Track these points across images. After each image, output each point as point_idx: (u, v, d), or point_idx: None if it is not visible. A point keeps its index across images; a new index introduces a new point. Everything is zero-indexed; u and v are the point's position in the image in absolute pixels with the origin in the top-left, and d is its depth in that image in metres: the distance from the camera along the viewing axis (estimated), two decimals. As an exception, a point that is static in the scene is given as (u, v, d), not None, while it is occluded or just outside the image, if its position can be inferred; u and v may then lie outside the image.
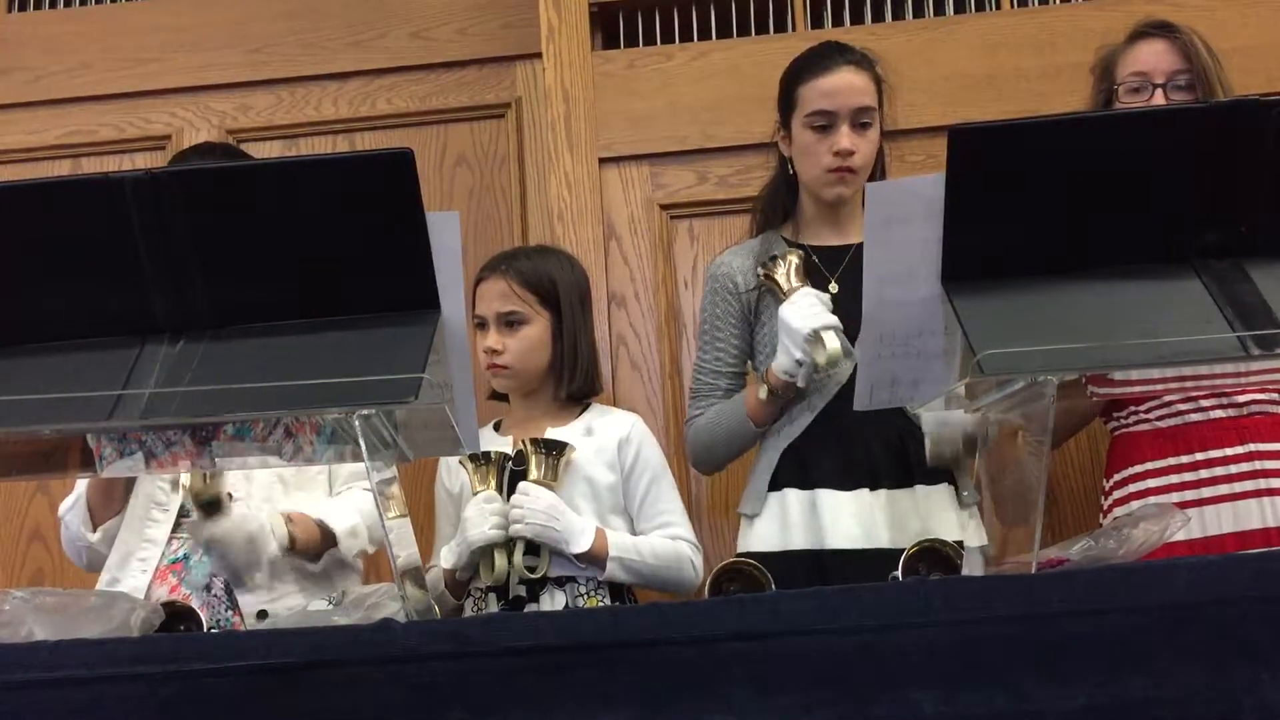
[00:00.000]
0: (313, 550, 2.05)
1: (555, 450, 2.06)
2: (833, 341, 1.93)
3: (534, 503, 2.00)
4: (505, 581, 2.02)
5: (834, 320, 1.96)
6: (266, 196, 1.24)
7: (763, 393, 2.06)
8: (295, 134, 2.99)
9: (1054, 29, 2.63)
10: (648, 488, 2.14)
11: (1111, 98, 2.10)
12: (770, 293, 2.12)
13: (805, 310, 1.97)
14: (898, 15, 2.74)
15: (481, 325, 2.14)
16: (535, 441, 2.06)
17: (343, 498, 2.13)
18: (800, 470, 2.10)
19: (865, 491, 2.06)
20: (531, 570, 2.02)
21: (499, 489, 2.05)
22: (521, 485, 2.03)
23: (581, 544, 2.01)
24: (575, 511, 2.05)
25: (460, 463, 2.12)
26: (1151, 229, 1.24)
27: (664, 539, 2.12)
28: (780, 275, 2.06)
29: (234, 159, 2.19)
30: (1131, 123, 1.33)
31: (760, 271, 2.12)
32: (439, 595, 2.06)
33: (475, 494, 2.05)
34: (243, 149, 2.66)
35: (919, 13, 2.75)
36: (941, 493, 2.09)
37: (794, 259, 2.07)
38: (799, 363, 1.97)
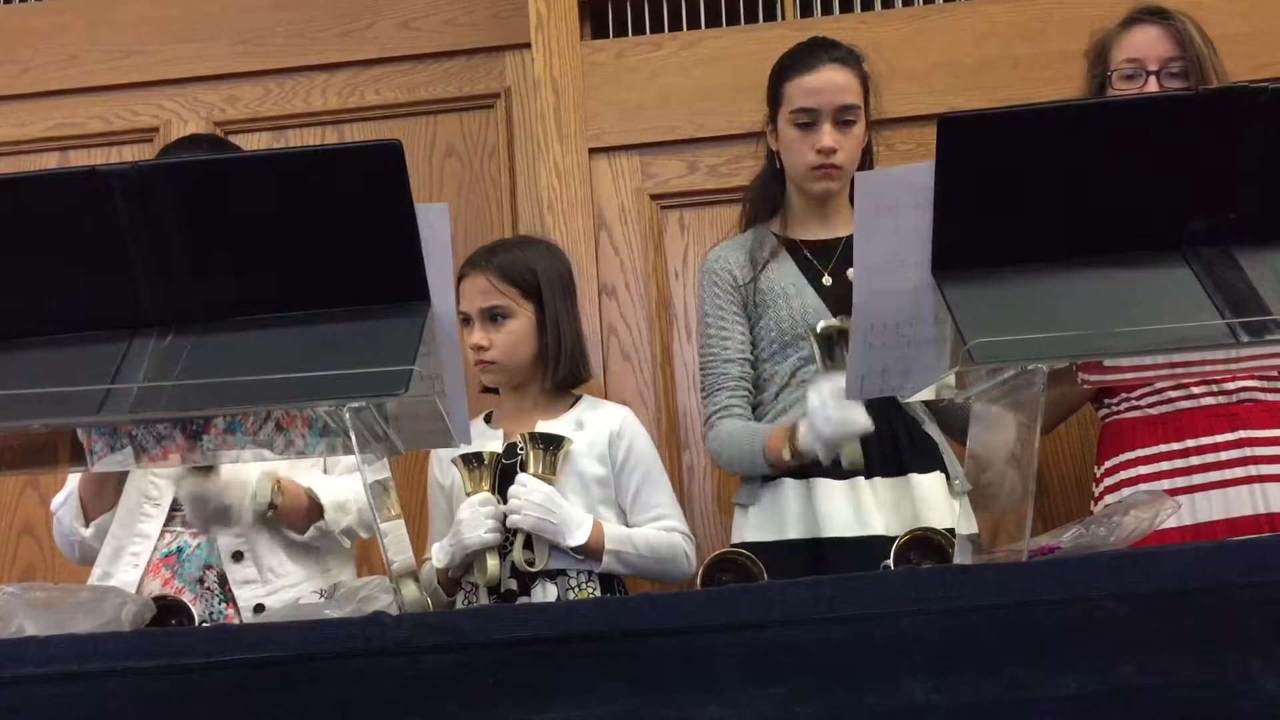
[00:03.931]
0: (298, 518, 2.04)
1: (553, 444, 2.06)
2: (854, 453, 1.93)
3: (531, 495, 2.00)
4: (496, 582, 2.03)
5: (862, 426, 1.89)
6: (255, 189, 1.24)
7: (787, 454, 2.04)
8: (283, 125, 2.98)
9: (1045, 17, 2.62)
10: (640, 482, 2.15)
11: (1105, 84, 2.10)
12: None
13: (835, 420, 1.89)
14: (887, 4, 2.73)
15: (466, 321, 2.14)
16: (532, 436, 2.06)
17: (339, 478, 2.12)
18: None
19: (859, 480, 2.07)
20: (530, 564, 2.02)
21: (493, 490, 2.05)
22: (519, 477, 2.03)
23: (578, 536, 2.01)
24: (566, 502, 2.06)
25: (453, 462, 2.12)
26: (1141, 216, 1.24)
27: (658, 531, 2.12)
28: (820, 346, 1.94)
29: (222, 151, 2.18)
30: (1121, 110, 1.33)
31: (814, 329, 1.98)
32: (432, 591, 2.07)
33: (469, 495, 2.05)
34: (231, 141, 2.66)
35: (909, 1, 2.74)
36: (934, 481, 2.10)
37: (834, 330, 1.92)
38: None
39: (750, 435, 2.13)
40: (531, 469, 2.04)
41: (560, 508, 2.02)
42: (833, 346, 1.90)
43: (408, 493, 2.28)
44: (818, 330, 1.93)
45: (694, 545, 2.17)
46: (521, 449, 2.07)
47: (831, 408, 1.89)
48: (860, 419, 1.89)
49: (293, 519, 2.04)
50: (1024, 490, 1.23)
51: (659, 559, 2.10)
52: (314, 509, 2.05)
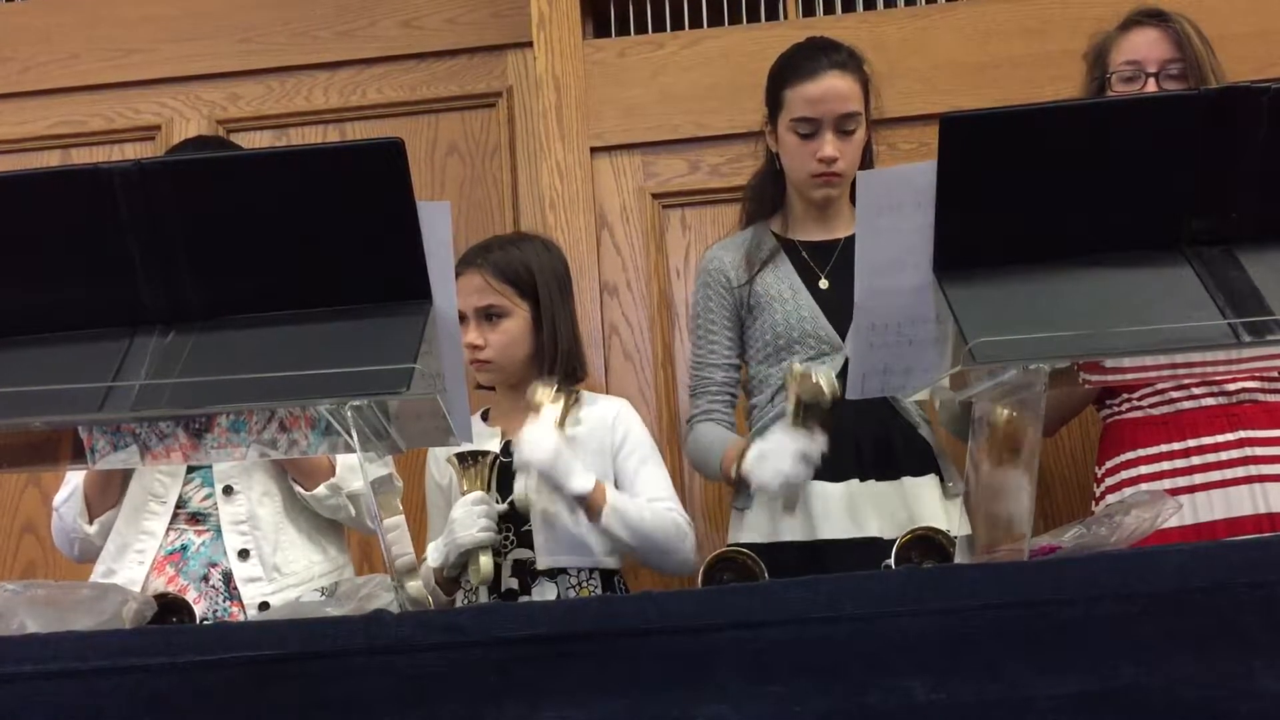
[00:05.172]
0: (313, 470, 2.05)
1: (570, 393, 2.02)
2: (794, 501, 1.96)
3: (540, 437, 1.94)
4: (491, 581, 2.01)
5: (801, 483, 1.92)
6: (256, 187, 1.24)
7: (734, 472, 2.02)
8: (285, 124, 2.98)
9: (1046, 16, 2.63)
10: (637, 467, 2.12)
11: (1104, 86, 2.10)
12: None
13: (780, 482, 1.91)
14: (890, 3, 2.74)
15: (460, 320, 2.12)
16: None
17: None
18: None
19: (854, 482, 2.07)
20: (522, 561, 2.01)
21: (487, 489, 2.03)
22: (529, 423, 1.97)
23: (581, 484, 1.95)
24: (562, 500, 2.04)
25: (448, 461, 2.10)
26: (1143, 216, 1.24)
27: (660, 509, 2.09)
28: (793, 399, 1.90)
29: (224, 151, 2.18)
30: (1123, 110, 1.33)
31: (792, 371, 1.92)
32: (431, 590, 2.06)
33: (464, 494, 2.03)
34: (233, 140, 2.66)
35: (911, 0, 2.74)
36: (927, 484, 2.11)
37: (811, 398, 1.86)
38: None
39: (712, 442, 2.13)
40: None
41: (567, 454, 1.95)
42: (806, 411, 1.86)
43: (407, 492, 2.28)
44: (796, 375, 1.86)
45: (693, 531, 2.11)
46: (480, 454, 2.02)
47: (782, 470, 1.88)
48: (802, 478, 1.89)
49: (310, 471, 2.05)
50: (1025, 490, 1.23)
51: (661, 531, 2.04)
52: (328, 467, 2.06)
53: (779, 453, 1.89)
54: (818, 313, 2.14)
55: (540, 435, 1.94)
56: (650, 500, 2.09)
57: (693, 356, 2.25)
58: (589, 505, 1.98)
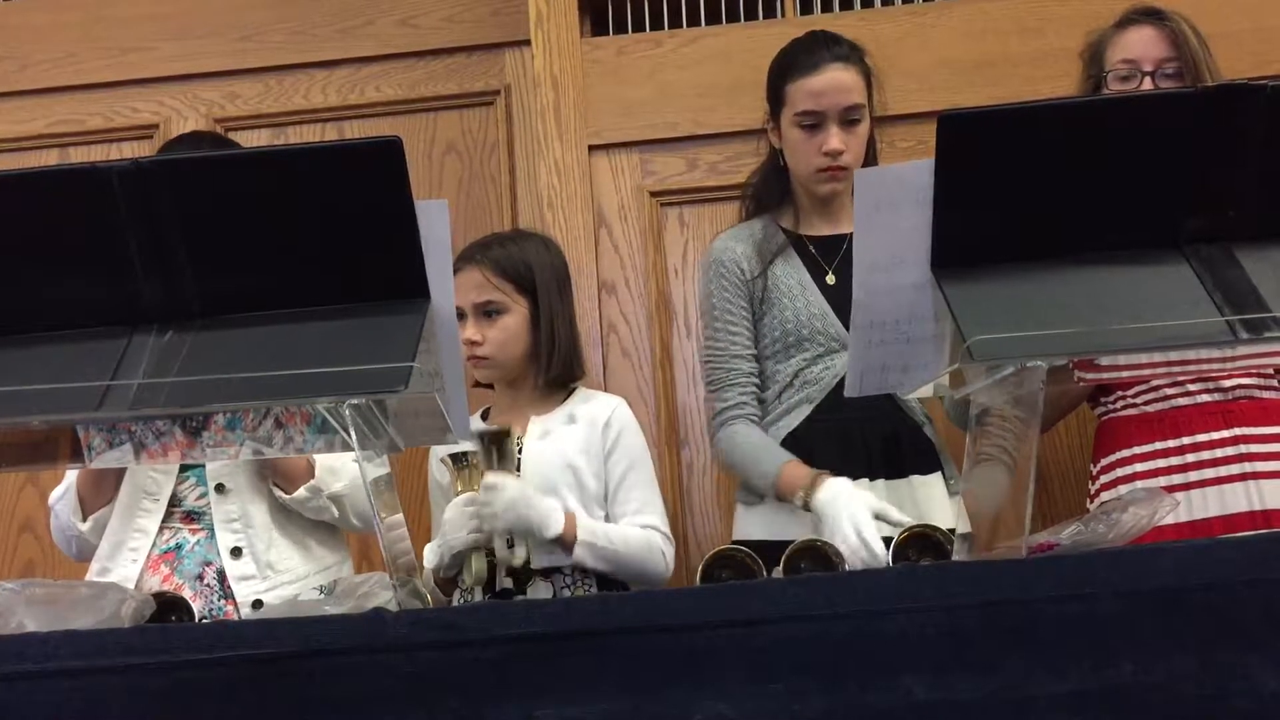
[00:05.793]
0: (293, 473, 2.05)
1: (498, 440, 1.99)
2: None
3: (501, 494, 1.94)
4: (485, 582, 2.00)
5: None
6: (254, 185, 1.24)
7: (800, 499, 1.97)
8: (283, 122, 2.98)
9: (1043, 14, 2.63)
10: (623, 474, 2.10)
11: (1100, 84, 2.09)
12: None
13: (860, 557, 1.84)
14: (887, 1, 2.74)
15: (459, 316, 2.11)
16: (481, 436, 1.99)
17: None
18: (801, 461, 2.10)
19: (863, 482, 2.07)
20: (518, 562, 2.00)
21: (479, 489, 2.02)
22: (486, 479, 1.95)
23: (554, 528, 1.95)
24: (560, 499, 2.04)
25: (441, 461, 2.09)
26: (1140, 214, 1.25)
27: (635, 527, 2.07)
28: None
29: (222, 148, 2.18)
30: (1120, 108, 1.33)
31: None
32: (430, 590, 2.05)
33: (457, 495, 2.02)
34: (231, 138, 2.66)
35: (908, -2, 2.75)
36: (935, 482, 2.11)
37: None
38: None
39: (765, 456, 2.08)
40: (486, 468, 1.96)
41: (532, 501, 1.95)
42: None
43: (407, 492, 2.28)
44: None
45: (672, 547, 2.10)
46: (473, 455, 2.01)
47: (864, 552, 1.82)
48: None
49: (289, 474, 2.05)
50: (1023, 487, 1.23)
51: (634, 555, 2.03)
52: (307, 469, 2.06)
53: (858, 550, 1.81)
54: (827, 310, 2.13)
55: (501, 494, 1.92)
56: (632, 513, 2.08)
57: (710, 349, 2.20)
58: (562, 543, 1.97)
